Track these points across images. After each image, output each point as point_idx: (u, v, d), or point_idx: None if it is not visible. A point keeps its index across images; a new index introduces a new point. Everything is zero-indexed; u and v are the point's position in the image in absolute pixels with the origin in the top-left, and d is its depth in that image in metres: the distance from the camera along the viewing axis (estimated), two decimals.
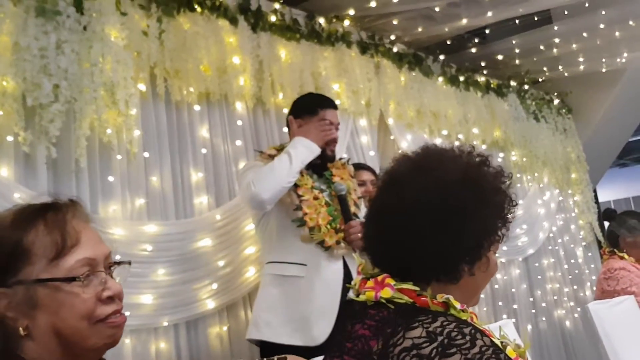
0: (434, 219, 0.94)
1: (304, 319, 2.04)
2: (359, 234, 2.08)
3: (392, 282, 0.96)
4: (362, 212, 2.30)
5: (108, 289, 0.91)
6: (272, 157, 2.18)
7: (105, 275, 0.92)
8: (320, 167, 2.27)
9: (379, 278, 0.98)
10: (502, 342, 0.97)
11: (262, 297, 2.14)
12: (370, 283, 0.98)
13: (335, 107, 2.32)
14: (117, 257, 1.94)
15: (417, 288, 0.94)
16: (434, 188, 0.95)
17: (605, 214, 3.18)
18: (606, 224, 3.18)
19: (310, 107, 2.26)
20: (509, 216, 1.00)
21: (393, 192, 1.00)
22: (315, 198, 2.15)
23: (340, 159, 2.43)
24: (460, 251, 0.95)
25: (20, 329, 0.85)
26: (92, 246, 0.91)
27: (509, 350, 0.96)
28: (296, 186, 2.12)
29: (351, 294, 1.04)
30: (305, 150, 2.10)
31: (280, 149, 2.26)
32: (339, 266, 2.15)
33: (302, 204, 2.12)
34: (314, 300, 2.06)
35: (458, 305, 0.92)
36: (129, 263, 1.00)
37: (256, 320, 2.12)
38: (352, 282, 1.05)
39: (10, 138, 1.88)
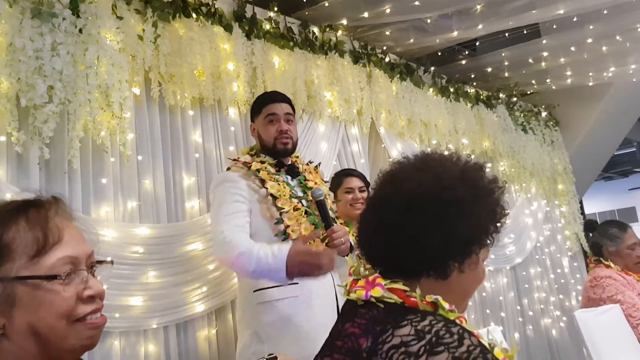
0: (428, 211, 0.96)
1: (308, 338, 1.94)
2: (342, 239, 2.04)
3: (383, 282, 0.98)
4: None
5: (89, 288, 0.89)
6: (246, 164, 2.11)
7: (86, 274, 0.90)
8: (291, 168, 2.21)
9: (370, 278, 1.00)
10: (489, 344, 0.99)
11: (257, 328, 1.99)
12: (361, 283, 1.01)
13: (280, 99, 2.24)
14: (108, 259, 1.95)
15: (407, 288, 0.97)
16: (431, 182, 0.99)
17: (587, 225, 3.22)
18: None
19: (256, 108, 2.25)
20: (500, 221, 1.03)
21: (391, 186, 1.03)
22: (296, 209, 2.07)
23: (310, 162, 2.37)
24: (452, 245, 0.97)
25: None
26: (74, 244, 0.89)
27: (497, 352, 0.98)
28: (274, 198, 2.06)
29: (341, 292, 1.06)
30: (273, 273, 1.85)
31: (254, 153, 2.20)
32: (327, 275, 2.06)
33: (283, 216, 2.04)
34: (314, 316, 1.99)
35: (447, 305, 0.94)
36: (112, 262, 0.98)
37: (255, 351, 1.96)
38: (344, 283, 1.07)
39: (2, 138, 1.88)
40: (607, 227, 2.95)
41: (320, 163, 2.51)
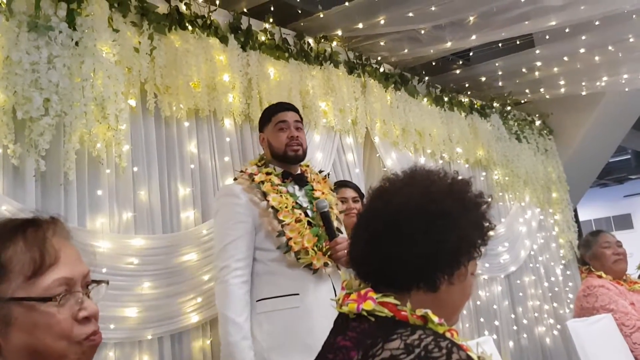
0: (417, 224, 0.99)
1: (307, 348, 1.91)
2: (345, 250, 2.05)
3: (375, 296, 0.99)
4: (343, 227, 2.29)
5: (84, 309, 0.89)
6: (251, 176, 2.13)
7: (82, 295, 0.90)
8: (299, 177, 2.23)
9: (362, 291, 1.02)
10: (479, 357, 1.00)
11: (260, 337, 2.02)
12: (354, 296, 1.02)
13: (289, 108, 2.30)
14: (104, 270, 1.96)
15: (397, 302, 0.98)
16: (420, 195, 1.01)
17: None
18: None
19: (265, 117, 2.30)
20: (487, 234, 1.06)
21: (380, 201, 1.06)
22: (298, 220, 2.07)
23: (320, 171, 2.40)
24: (440, 257, 0.99)
25: None
26: (70, 265, 0.90)
27: None
28: (276, 210, 2.06)
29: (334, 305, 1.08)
30: None
31: (262, 163, 2.22)
32: (329, 287, 2.11)
33: (285, 228, 2.04)
34: (314, 328, 1.98)
35: (436, 319, 0.96)
36: (107, 283, 0.98)
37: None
38: (337, 297, 1.09)
39: None
40: (582, 240, 3.07)
41: (329, 173, 2.53)
